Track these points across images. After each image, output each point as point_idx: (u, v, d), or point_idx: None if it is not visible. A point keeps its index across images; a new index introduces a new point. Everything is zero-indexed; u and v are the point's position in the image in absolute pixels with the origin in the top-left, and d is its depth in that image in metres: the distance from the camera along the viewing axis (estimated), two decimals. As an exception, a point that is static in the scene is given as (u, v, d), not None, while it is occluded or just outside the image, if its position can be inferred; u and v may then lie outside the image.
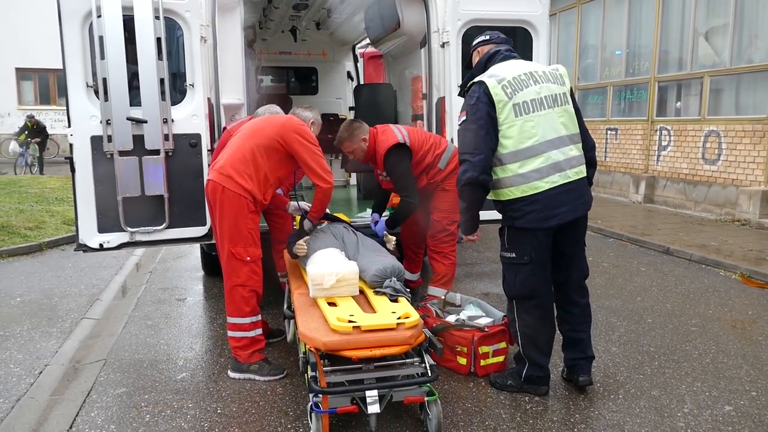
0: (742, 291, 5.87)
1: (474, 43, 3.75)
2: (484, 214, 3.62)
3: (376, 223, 4.70)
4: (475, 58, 3.70)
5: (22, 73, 21.91)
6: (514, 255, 3.48)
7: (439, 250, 4.75)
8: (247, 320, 3.85)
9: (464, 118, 3.41)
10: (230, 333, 3.91)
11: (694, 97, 10.16)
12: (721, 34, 9.63)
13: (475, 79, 3.42)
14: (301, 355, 3.33)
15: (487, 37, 3.68)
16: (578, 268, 3.63)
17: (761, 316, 5.10)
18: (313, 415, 3.00)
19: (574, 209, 3.41)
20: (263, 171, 3.82)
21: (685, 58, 10.32)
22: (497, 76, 3.36)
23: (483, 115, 3.31)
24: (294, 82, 9.23)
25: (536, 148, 3.32)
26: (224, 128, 4.50)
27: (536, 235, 3.39)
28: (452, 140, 5.00)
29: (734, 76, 9.44)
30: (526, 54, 5.16)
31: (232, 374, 3.92)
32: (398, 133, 4.55)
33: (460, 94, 3.72)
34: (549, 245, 3.45)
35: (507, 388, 3.69)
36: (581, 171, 3.46)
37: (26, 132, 17.48)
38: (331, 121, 8.97)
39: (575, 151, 3.44)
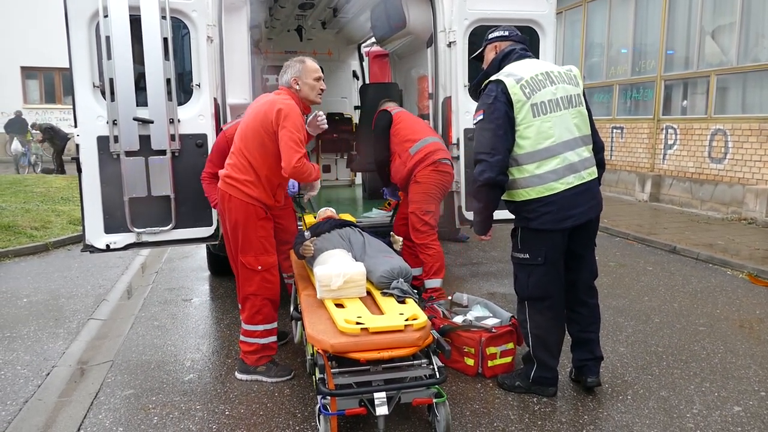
0: (749, 290, 5.85)
1: (489, 37, 3.65)
2: (497, 214, 3.61)
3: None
4: (489, 54, 3.62)
5: (28, 72, 21.96)
6: (527, 256, 3.44)
7: (421, 242, 4.85)
8: (260, 328, 3.82)
9: (481, 117, 3.33)
10: (242, 338, 3.88)
11: (701, 95, 10.12)
12: (728, 32, 9.58)
13: (492, 78, 3.36)
14: (308, 357, 3.32)
15: (506, 33, 3.60)
16: (588, 268, 3.61)
17: (769, 316, 5.08)
18: (321, 417, 2.99)
19: (588, 210, 3.40)
20: (264, 173, 3.66)
21: (691, 57, 10.28)
22: (515, 76, 3.31)
23: (501, 114, 3.26)
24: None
25: (553, 149, 3.30)
26: (220, 129, 4.42)
27: (551, 236, 3.37)
28: (457, 140, 4.98)
29: (741, 75, 9.39)
30: (533, 53, 5.14)
31: (239, 375, 3.91)
32: (395, 108, 5.20)
33: (470, 91, 3.69)
34: (563, 246, 3.43)
35: (515, 389, 3.68)
36: (594, 172, 3.45)
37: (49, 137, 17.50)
38: (336, 120, 8.97)
39: (587, 152, 3.43)
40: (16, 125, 18.07)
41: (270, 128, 3.56)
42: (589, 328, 3.65)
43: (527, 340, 3.61)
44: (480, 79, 3.56)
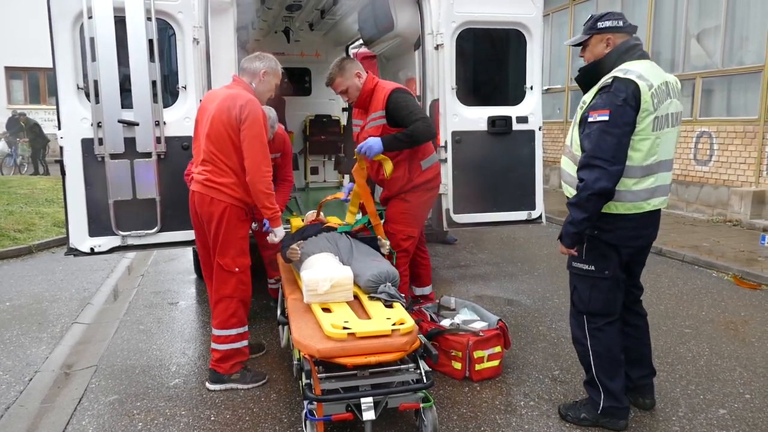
0: (734, 292, 5.89)
1: (599, 26, 3.16)
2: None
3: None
4: (597, 45, 3.18)
5: (12, 72, 21.72)
6: (593, 268, 3.21)
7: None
8: (234, 332, 3.77)
9: (605, 118, 2.94)
10: (214, 345, 3.80)
11: (686, 98, 10.18)
12: (713, 35, 9.67)
13: (621, 75, 2.98)
14: (295, 362, 3.31)
15: (619, 24, 3.14)
16: (638, 282, 3.51)
17: (753, 317, 5.11)
18: (307, 422, 2.98)
19: (653, 232, 3.29)
20: (243, 174, 3.61)
21: (677, 60, 10.36)
22: (646, 80, 2.96)
23: (629, 120, 2.94)
24: (287, 83, 9.18)
25: (652, 167, 3.07)
26: None
27: (619, 252, 3.19)
28: (445, 143, 4.97)
29: (726, 78, 9.48)
30: (521, 56, 5.15)
31: (210, 386, 3.80)
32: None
33: (578, 79, 3.29)
34: (624, 263, 3.26)
35: (581, 423, 3.36)
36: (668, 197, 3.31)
37: (22, 132, 17.32)
38: (324, 122, 8.95)
39: (671, 177, 3.25)
40: (16, 125, 17.84)
41: (235, 126, 3.52)
42: (646, 340, 3.50)
43: (585, 359, 3.32)
44: (594, 69, 3.17)
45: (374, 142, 3.86)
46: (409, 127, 3.93)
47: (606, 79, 3.03)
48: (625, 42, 3.13)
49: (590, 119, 3.01)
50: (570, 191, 3.18)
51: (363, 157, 4.03)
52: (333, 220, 4.75)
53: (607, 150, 2.93)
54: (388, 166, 3.85)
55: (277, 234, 3.80)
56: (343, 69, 4.12)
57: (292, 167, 5.17)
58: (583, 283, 3.27)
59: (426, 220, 4.69)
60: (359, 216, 4.45)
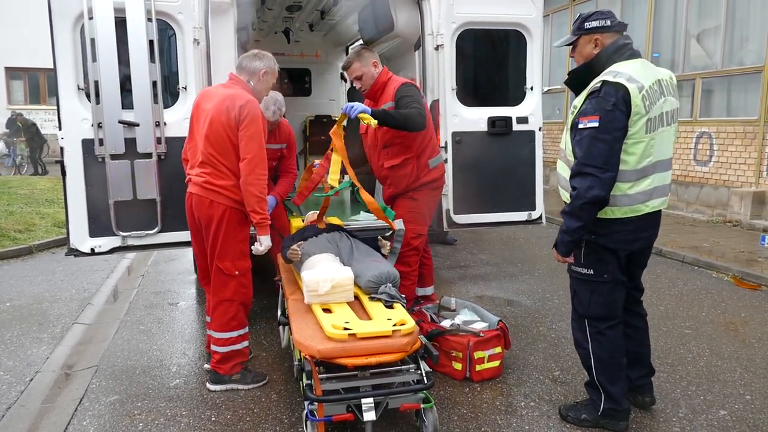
0: (734, 293, 5.90)
1: (587, 26, 3.09)
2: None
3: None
4: (586, 46, 3.12)
5: (12, 73, 21.73)
6: (591, 272, 3.18)
7: (402, 269, 4.16)
8: (234, 334, 3.76)
9: (596, 124, 2.89)
10: (214, 347, 3.78)
11: (686, 98, 10.20)
12: (713, 36, 9.67)
13: (610, 78, 2.91)
14: (296, 363, 3.31)
15: (607, 23, 3.06)
16: (639, 283, 3.48)
17: (753, 318, 5.12)
18: (308, 422, 2.98)
19: (653, 235, 3.26)
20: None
21: (677, 60, 10.36)
22: (636, 82, 2.90)
23: (620, 126, 2.88)
24: (287, 84, 9.19)
25: (647, 169, 3.00)
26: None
27: (617, 255, 3.16)
28: (445, 143, 4.98)
29: (725, 78, 9.49)
30: (521, 57, 5.16)
31: (211, 387, 3.80)
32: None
33: (568, 82, 3.22)
34: (624, 265, 3.24)
35: (582, 423, 3.36)
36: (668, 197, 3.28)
37: (20, 132, 17.33)
38: (324, 123, 8.95)
39: (669, 176, 3.18)
40: (13, 125, 17.83)
41: (234, 128, 3.49)
42: (646, 341, 3.49)
43: (586, 362, 3.31)
44: (584, 71, 3.11)
45: (362, 103, 3.87)
46: (405, 110, 3.97)
47: (595, 83, 2.97)
48: (615, 42, 3.06)
49: (580, 125, 2.96)
50: (566, 196, 3.15)
51: (344, 118, 4.05)
52: (333, 221, 4.75)
53: (598, 157, 2.89)
54: (372, 122, 3.82)
55: (263, 243, 3.68)
56: (361, 55, 4.22)
57: (296, 160, 5.17)
58: (583, 287, 3.26)
59: None
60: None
